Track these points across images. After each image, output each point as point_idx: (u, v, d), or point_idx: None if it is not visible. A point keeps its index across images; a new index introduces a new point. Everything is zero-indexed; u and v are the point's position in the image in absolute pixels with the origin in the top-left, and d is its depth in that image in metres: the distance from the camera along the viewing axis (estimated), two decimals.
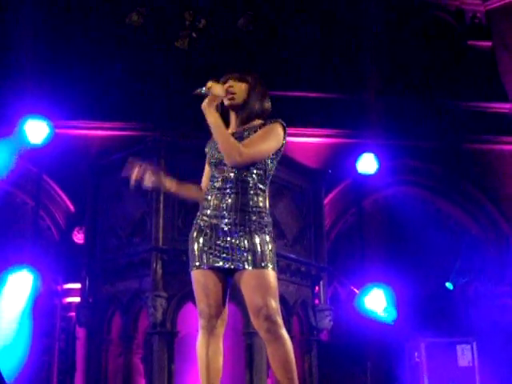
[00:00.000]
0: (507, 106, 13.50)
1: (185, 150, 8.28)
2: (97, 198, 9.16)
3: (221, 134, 3.81)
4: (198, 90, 3.87)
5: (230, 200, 3.85)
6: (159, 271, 8.02)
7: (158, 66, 12.40)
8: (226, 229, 3.82)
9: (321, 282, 9.35)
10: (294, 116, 11.73)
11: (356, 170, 11.11)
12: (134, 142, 10.23)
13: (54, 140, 9.86)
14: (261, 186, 3.92)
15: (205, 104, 3.85)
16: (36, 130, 9.67)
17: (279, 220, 8.64)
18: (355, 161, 11.07)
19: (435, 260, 11.98)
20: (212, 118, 3.82)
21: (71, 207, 11.38)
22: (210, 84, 3.88)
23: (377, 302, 10.06)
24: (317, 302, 9.34)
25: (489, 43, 14.13)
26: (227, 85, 3.96)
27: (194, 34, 12.90)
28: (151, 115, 11.70)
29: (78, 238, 10.65)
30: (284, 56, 12.91)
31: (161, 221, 8.18)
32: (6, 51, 11.90)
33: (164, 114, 11.58)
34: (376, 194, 12.46)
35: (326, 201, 10.52)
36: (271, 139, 3.88)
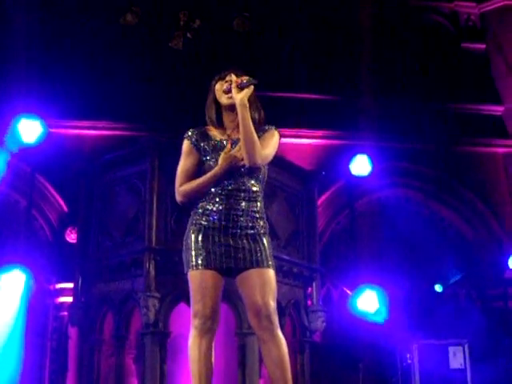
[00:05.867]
0: (500, 108, 13.54)
1: (179, 150, 8.27)
2: (90, 197, 9.15)
3: (252, 132, 3.85)
4: (249, 80, 3.87)
5: (242, 205, 3.94)
6: (152, 271, 8.01)
7: (151, 66, 12.39)
8: (236, 232, 3.90)
9: (313, 283, 9.35)
10: (287, 117, 11.76)
11: (349, 172, 11.10)
12: (127, 142, 10.25)
13: (47, 139, 9.84)
14: (262, 192, 4.06)
15: (244, 97, 3.85)
16: (29, 130, 9.65)
17: (272, 221, 8.62)
18: (349, 162, 11.07)
19: (428, 262, 12.00)
20: (248, 114, 3.85)
21: (64, 207, 11.36)
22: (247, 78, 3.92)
23: (369, 303, 10.07)
24: (309, 303, 9.34)
25: (483, 46, 14.17)
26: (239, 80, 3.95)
27: (188, 35, 12.90)
28: (145, 115, 11.69)
29: (71, 237, 10.64)
30: (279, 57, 12.92)
31: (154, 221, 8.18)
32: None
33: (158, 114, 11.57)
34: (369, 195, 12.47)
35: (319, 202, 10.53)
36: (275, 146, 4.05)
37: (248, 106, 3.85)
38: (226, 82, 4.00)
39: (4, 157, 9.65)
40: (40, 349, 10.25)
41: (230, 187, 3.94)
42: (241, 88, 3.87)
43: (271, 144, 4.01)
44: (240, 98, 3.84)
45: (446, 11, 14.51)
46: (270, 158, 4.02)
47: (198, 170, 4.03)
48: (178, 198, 4.04)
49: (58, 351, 9.95)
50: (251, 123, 3.85)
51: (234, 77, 3.97)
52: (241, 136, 3.87)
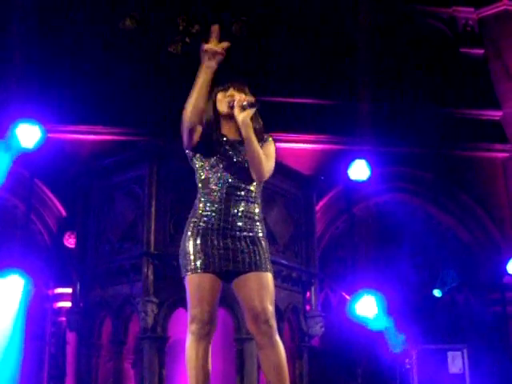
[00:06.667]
0: (499, 113, 13.55)
1: (177, 155, 8.27)
2: (88, 202, 9.13)
3: (259, 151, 3.91)
4: (252, 104, 3.93)
5: (240, 207, 3.94)
6: (150, 276, 7.99)
7: (150, 71, 12.39)
8: (235, 234, 3.90)
9: (312, 288, 9.33)
10: (286, 122, 11.78)
11: (348, 177, 11.08)
12: (126, 147, 10.24)
13: (45, 144, 9.80)
14: (260, 194, 4.08)
15: (247, 117, 3.89)
16: (28, 134, 9.61)
17: (271, 226, 8.62)
18: (347, 167, 11.04)
19: (426, 267, 12.00)
20: (252, 133, 3.89)
21: (62, 211, 11.36)
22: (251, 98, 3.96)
23: (368, 308, 10.05)
24: (308, 308, 9.32)
25: (481, 51, 14.19)
26: (243, 96, 3.99)
27: (187, 39, 12.91)
28: (143, 120, 11.69)
29: (70, 242, 10.63)
30: (277, 62, 12.92)
31: (152, 226, 8.16)
32: None
33: (156, 119, 11.57)
34: (367, 200, 12.47)
35: (317, 207, 10.52)
36: (274, 155, 4.11)
37: (251, 124, 3.89)
38: (229, 96, 4.03)
39: (4, 162, 9.64)
40: (38, 354, 10.25)
41: (228, 183, 3.94)
42: (243, 109, 3.91)
43: (272, 154, 4.07)
44: (242, 117, 3.88)
45: (445, 16, 14.52)
46: (273, 167, 4.07)
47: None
48: (184, 119, 3.95)
49: (56, 356, 9.94)
50: (256, 142, 3.90)
51: (235, 93, 4.01)
52: (248, 155, 3.91)
